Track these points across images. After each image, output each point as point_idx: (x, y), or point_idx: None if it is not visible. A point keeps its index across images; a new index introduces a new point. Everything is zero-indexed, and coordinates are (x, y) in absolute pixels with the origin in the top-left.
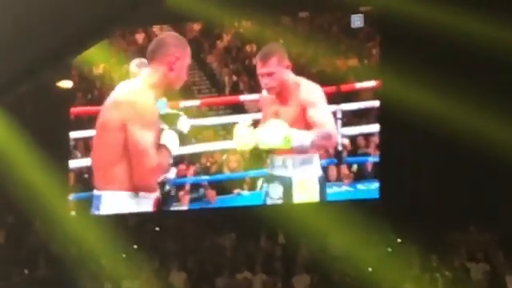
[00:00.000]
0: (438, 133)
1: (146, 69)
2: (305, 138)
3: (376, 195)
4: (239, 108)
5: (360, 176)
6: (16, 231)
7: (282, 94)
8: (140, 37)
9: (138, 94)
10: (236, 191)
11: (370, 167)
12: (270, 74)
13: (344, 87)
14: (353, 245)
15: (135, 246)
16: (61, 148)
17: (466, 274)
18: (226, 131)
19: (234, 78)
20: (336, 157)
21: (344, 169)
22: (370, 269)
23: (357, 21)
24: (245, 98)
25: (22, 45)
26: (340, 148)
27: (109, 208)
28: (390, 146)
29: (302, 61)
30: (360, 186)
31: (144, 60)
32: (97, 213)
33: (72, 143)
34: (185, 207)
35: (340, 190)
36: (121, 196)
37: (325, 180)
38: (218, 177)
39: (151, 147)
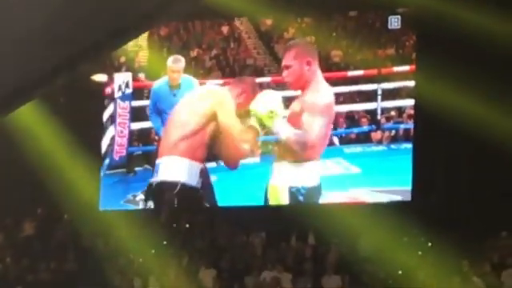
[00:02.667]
0: (473, 135)
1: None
2: (284, 130)
3: (408, 154)
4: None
5: (394, 139)
6: (46, 223)
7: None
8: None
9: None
10: None
11: (401, 132)
12: (287, 67)
13: (383, 70)
14: (383, 247)
15: (165, 242)
16: (93, 142)
17: (496, 279)
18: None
19: None
20: (375, 124)
21: (381, 133)
22: (400, 271)
23: (394, 22)
24: None
25: (61, 37)
26: (379, 117)
27: (164, 173)
28: (424, 148)
29: (351, 50)
30: (393, 146)
31: (179, 57)
32: (155, 178)
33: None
34: None
35: (378, 149)
36: (180, 161)
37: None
38: None
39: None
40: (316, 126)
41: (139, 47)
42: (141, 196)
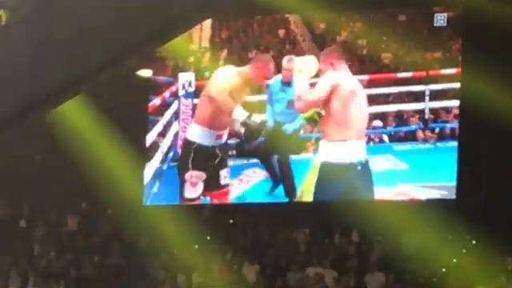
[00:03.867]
0: None
1: None
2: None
3: (453, 152)
4: None
5: (440, 137)
6: (89, 218)
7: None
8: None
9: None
10: None
11: (448, 131)
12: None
13: (431, 72)
14: (427, 245)
15: (208, 238)
16: (137, 137)
17: None
18: None
19: (349, 63)
20: (423, 123)
21: (428, 132)
22: (444, 270)
23: (440, 20)
24: None
25: (108, 34)
26: (426, 116)
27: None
28: (469, 147)
29: (400, 53)
30: (439, 144)
31: (292, 57)
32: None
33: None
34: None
35: (425, 147)
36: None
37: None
38: None
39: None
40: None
41: (205, 49)
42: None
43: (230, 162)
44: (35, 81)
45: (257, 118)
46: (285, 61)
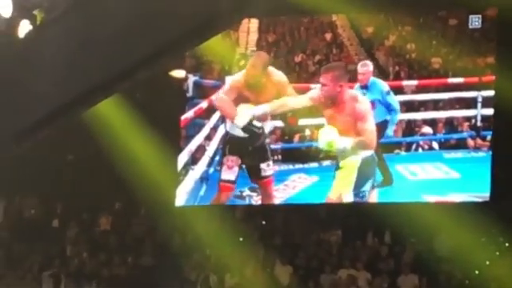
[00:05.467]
0: None
1: None
2: (347, 143)
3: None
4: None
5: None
6: (122, 218)
7: (339, 105)
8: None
9: None
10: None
11: None
12: (324, 85)
13: (484, 78)
14: (460, 247)
15: (241, 239)
16: (171, 137)
17: None
18: None
19: (397, 68)
20: (475, 130)
21: (479, 140)
22: (477, 272)
23: (475, 21)
24: None
25: (142, 34)
26: (479, 124)
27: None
28: (504, 149)
29: (450, 57)
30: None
31: (367, 62)
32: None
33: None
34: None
35: (477, 155)
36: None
37: None
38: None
39: None
40: (369, 128)
41: (254, 52)
42: (247, 192)
43: (276, 167)
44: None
45: (257, 123)
46: (359, 66)
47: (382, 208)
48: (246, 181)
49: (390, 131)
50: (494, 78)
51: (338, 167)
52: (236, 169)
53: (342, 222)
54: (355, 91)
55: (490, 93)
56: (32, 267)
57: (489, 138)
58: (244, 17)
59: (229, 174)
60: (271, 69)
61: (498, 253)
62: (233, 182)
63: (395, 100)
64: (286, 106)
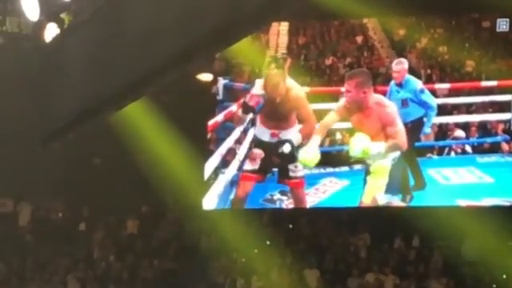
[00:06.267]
0: None
1: None
2: (381, 147)
3: None
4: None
5: None
6: (149, 222)
7: (365, 111)
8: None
9: None
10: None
11: None
12: (348, 91)
13: None
14: (488, 251)
15: (268, 242)
16: (197, 141)
17: None
18: None
19: (429, 70)
20: (509, 134)
21: None
22: (505, 276)
23: (502, 25)
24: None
25: (169, 36)
26: None
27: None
28: None
29: (484, 60)
30: None
31: (402, 60)
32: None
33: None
34: None
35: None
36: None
37: None
38: None
39: None
40: (399, 132)
41: (287, 54)
42: (278, 195)
43: (307, 171)
44: (96, 84)
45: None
46: (394, 64)
47: (409, 212)
48: (276, 184)
49: (427, 129)
50: None
51: (368, 172)
52: (259, 161)
53: (369, 226)
54: (379, 96)
55: None
56: (58, 270)
57: None
58: (272, 20)
59: (250, 164)
60: (290, 83)
61: None
62: (255, 172)
63: (431, 97)
64: (327, 127)
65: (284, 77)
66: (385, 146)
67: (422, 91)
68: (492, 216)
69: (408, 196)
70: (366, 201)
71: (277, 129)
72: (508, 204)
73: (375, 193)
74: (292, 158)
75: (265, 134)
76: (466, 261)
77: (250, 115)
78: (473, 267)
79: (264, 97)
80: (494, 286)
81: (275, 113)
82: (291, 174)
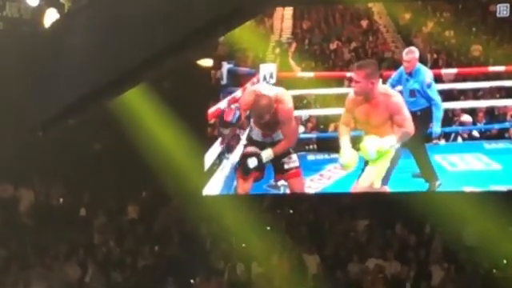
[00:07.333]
0: None
1: None
2: (392, 141)
3: None
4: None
5: None
6: (149, 207)
7: (372, 101)
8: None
9: None
10: None
11: None
12: (357, 82)
13: None
14: (488, 236)
15: (268, 228)
16: (198, 127)
17: None
18: None
19: (435, 55)
20: None
21: None
22: (505, 261)
23: (503, 10)
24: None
25: (169, 21)
26: None
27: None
28: None
29: (491, 45)
30: None
31: (412, 48)
32: None
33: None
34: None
35: None
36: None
37: None
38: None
39: None
40: (407, 117)
41: (292, 39)
42: (282, 181)
43: (311, 157)
44: (96, 69)
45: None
46: (404, 53)
47: (410, 197)
48: None
49: (437, 128)
50: None
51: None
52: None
53: (369, 212)
54: (385, 86)
55: None
56: (59, 256)
57: None
58: (273, 6)
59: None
60: (282, 95)
61: None
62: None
63: (436, 93)
64: (349, 126)
65: (272, 99)
66: (395, 137)
67: (429, 86)
68: (492, 201)
69: (436, 182)
70: (363, 184)
71: (268, 131)
72: (507, 189)
73: (375, 178)
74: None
75: (257, 134)
76: (467, 246)
77: (229, 129)
78: (473, 252)
79: (238, 109)
80: (494, 270)
81: (264, 123)
82: (286, 166)
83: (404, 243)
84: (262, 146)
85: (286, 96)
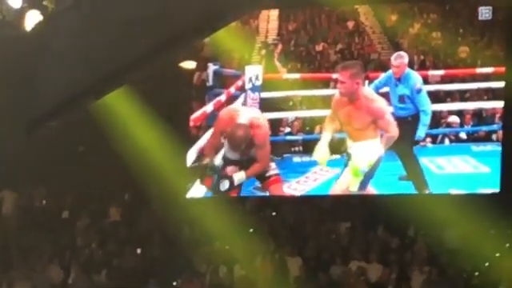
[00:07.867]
0: None
1: None
2: (380, 149)
3: None
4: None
5: None
6: (132, 209)
7: (356, 102)
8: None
9: None
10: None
11: None
12: (342, 82)
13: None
14: (470, 239)
15: (251, 230)
16: (180, 129)
17: None
18: None
19: (422, 57)
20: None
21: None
22: (487, 264)
23: (485, 13)
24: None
25: (154, 24)
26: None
27: None
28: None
29: (478, 46)
30: None
31: (401, 53)
32: None
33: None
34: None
35: None
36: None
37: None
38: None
39: None
40: (391, 121)
41: (278, 40)
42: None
43: (297, 159)
44: (79, 72)
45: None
46: (393, 58)
47: (392, 200)
48: None
49: (421, 132)
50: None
51: (349, 158)
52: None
53: (351, 214)
54: (368, 89)
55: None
56: (42, 258)
57: None
58: (258, 9)
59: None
60: (257, 122)
61: (508, 245)
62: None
63: (426, 99)
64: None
65: (248, 127)
66: (382, 144)
67: (418, 91)
68: (474, 204)
69: (426, 191)
70: (340, 187)
71: (244, 152)
72: (490, 192)
73: (350, 182)
74: None
75: (234, 154)
76: (449, 249)
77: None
78: (455, 255)
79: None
80: (477, 273)
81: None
82: (266, 174)
83: (386, 246)
84: (240, 163)
85: (262, 120)
